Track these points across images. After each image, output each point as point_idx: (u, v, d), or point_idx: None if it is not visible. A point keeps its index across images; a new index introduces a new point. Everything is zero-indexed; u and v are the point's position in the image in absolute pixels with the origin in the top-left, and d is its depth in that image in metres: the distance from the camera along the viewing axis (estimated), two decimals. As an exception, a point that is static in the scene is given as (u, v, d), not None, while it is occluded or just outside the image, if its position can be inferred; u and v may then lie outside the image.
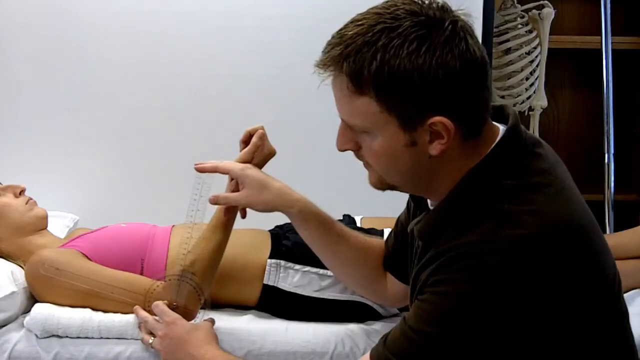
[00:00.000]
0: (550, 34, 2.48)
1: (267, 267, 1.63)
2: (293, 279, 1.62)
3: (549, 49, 2.49)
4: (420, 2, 1.01)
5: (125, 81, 2.16)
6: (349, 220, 1.85)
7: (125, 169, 2.20)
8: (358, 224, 1.85)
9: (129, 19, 2.13)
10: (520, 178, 1.03)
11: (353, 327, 1.56)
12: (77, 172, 2.19)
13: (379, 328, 1.56)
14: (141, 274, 1.60)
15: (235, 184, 1.41)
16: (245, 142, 1.47)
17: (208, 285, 1.50)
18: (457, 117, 1.00)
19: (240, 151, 1.46)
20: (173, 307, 1.44)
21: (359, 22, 1.00)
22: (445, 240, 1.02)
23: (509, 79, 2.45)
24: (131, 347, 1.46)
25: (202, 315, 1.49)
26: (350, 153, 1.10)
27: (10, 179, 1.81)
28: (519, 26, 2.44)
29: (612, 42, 2.44)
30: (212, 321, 1.47)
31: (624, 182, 2.66)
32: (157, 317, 1.43)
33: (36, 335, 1.48)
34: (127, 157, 2.20)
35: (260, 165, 1.46)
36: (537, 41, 2.46)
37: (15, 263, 1.65)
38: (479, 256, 0.98)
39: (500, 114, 1.11)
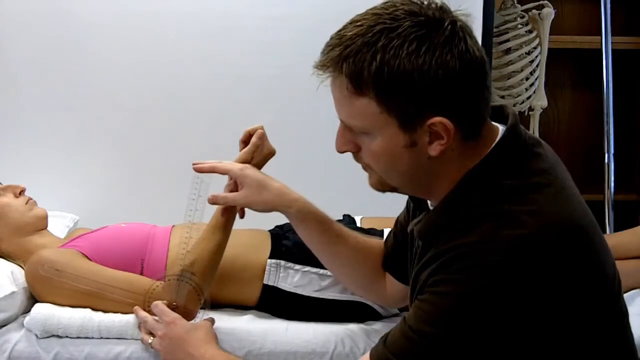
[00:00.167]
0: (550, 34, 2.48)
1: (267, 267, 1.63)
2: (293, 279, 1.63)
3: (549, 49, 2.49)
4: (419, 2, 1.01)
5: (125, 81, 2.16)
6: (349, 220, 1.85)
7: (125, 169, 2.20)
8: (358, 224, 1.85)
9: (129, 19, 2.13)
10: (520, 178, 1.03)
11: (353, 327, 1.56)
12: (77, 172, 2.19)
13: (379, 328, 1.56)
14: (141, 274, 1.60)
15: (234, 184, 1.41)
16: (245, 142, 1.47)
17: (208, 286, 1.50)
18: (457, 117, 1.00)
19: (240, 151, 1.46)
20: (173, 307, 1.44)
21: (358, 23, 1.00)
22: (445, 241, 1.02)
23: (509, 79, 2.45)
24: (131, 347, 1.47)
25: (202, 315, 1.49)
26: (350, 153, 1.10)
27: (10, 179, 1.81)
28: (519, 26, 2.44)
29: (612, 42, 2.44)
30: (212, 321, 1.47)
31: (624, 182, 2.65)
32: (156, 317, 1.43)
33: (36, 335, 1.48)
34: (127, 157, 2.20)
35: (259, 165, 1.46)
36: (537, 41, 2.46)
37: (15, 263, 1.65)
38: (479, 256, 0.98)
39: (500, 114, 1.11)
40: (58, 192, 2.11)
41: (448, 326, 1.00)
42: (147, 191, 2.20)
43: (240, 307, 1.66)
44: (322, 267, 1.54)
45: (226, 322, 1.54)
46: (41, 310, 1.49)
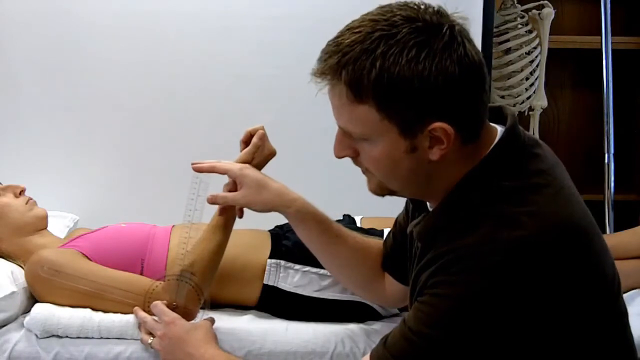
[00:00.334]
0: (550, 34, 2.48)
1: (267, 267, 1.63)
2: (293, 279, 1.63)
3: (549, 49, 2.49)
4: (415, 7, 1.00)
5: (125, 81, 2.16)
6: (348, 220, 1.85)
7: (125, 169, 2.21)
8: (358, 224, 1.85)
9: (129, 19, 2.13)
10: (519, 179, 1.03)
11: (353, 327, 1.56)
12: (77, 172, 2.19)
13: (379, 328, 1.56)
14: (141, 274, 1.60)
15: (233, 184, 1.41)
16: (246, 142, 1.47)
17: (208, 286, 1.50)
18: (457, 122, 1.00)
19: (241, 151, 1.46)
20: (172, 307, 1.44)
21: (356, 30, 0.99)
22: (444, 242, 1.02)
23: (509, 79, 2.45)
24: (131, 347, 1.47)
25: (202, 315, 1.49)
26: (349, 153, 1.10)
27: (10, 179, 1.81)
28: (519, 26, 2.44)
29: (612, 42, 2.44)
30: (212, 320, 1.47)
31: (624, 182, 2.65)
32: (156, 317, 1.43)
33: (36, 335, 1.48)
34: (127, 157, 2.21)
35: (260, 165, 1.46)
36: (537, 41, 2.46)
37: (15, 263, 1.65)
38: (478, 258, 0.98)
39: (499, 114, 1.11)
40: (58, 192, 2.11)
41: (448, 328, 1.00)
42: (147, 191, 2.20)
43: (240, 307, 1.66)
44: (322, 267, 1.54)
45: (226, 322, 1.54)
46: (41, 310, 1.49)
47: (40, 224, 1.73)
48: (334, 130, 1.08)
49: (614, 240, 1.74)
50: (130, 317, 1.49)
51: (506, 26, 2.43)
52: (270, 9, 2.14)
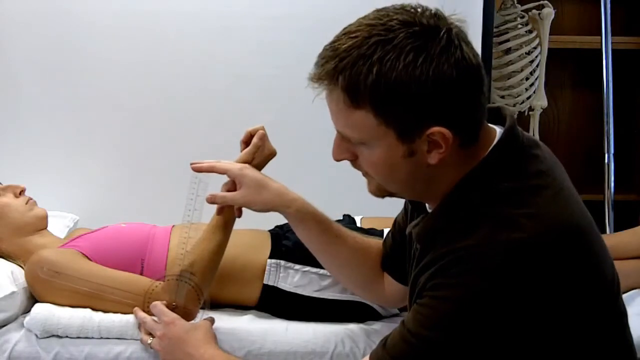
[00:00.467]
0: (550, 34, 2.48)
1: (267, 267, 1.63)
2: (293, 279, 1.63)
3: (549, 49, 2.49)
4: (412, 10, 0.99)
5: (125, 81, 2.16)
6: (349, 220, 1.85)
7: (125, 169, 2.20)
8: (358, 224, 1.85)
9: (129, 19, 2.13)
10: (518, 180, 1.02)
11: (353, 327, 1.56)
12: (77, 172, 2.19)
13: (379, 328, 1.56)
14: (141, 274, 1.60)
15: (232, 184, 1.41)
16: (246, 142, 1.47)
17: (208, 286, 1.50)
18: (455, 126, 0.99)
19: (241, 151, 1.46)
20: (172, 307, 1.44)
21: (352, 35, 0.98)
22: (443, 244, 1.02)
23: (509, 79, 2.45)
24: (131, 347, 1.47)
25: (202, 315, 1.49)
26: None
27: (10, 179, 1.81)
28: (519, 26, 2.44)
29: (612, 42, 2.44)
30: (212, 320, 1.47)
31: (624, 182, 2.65)
32: (155, 318, 1.43)
33: (36, 335, 1.48)
34: (127, 157, 2.21)
35: (260, 166, 1.45)
36: (537, 41, 2.46)
37: (15, 263, 1.65)
38: (478, 260, 0.98)
39: (498, 115, 1.10)
40: (58, 192, 2.11)
41: (447, 330, 0.99)
42: (147, 191, 2.20)
43: (240, 307, 1.66)
44: (322, 267, 1.54)
45: (226, 322, 1.54)
46: (41, 310, 1.49)
47: (40, 224, 1.73)
48: (334, 131, 1.08)
49: (614, 240, 1.74)
50: (130, 317, 1.49)
51: (506, 26, 2.43)
52: (270, 9, 2.14)
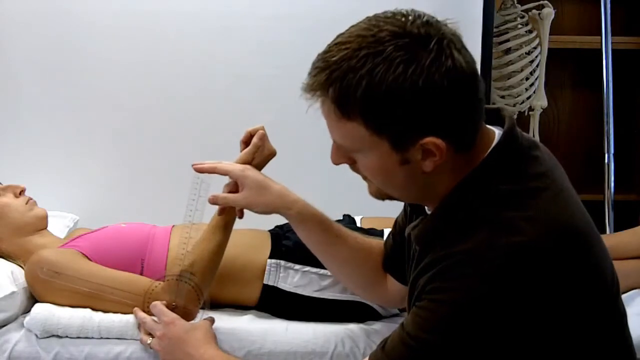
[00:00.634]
0: (550, 34, 2.48)
1: (267, 267, 1.63)
2: (293, 279, 1.63)
3: (549, 49, 2.49)
4: (403, 19, 0.98)
5: (125, 81, 2.16)
6: (349, 220, 1.85)
7: (125, 169, 2.20)
8: (358, 224, 1.85)
9: (129, 19, 2.13)
10: (517, 183, 1.02)
11: (353, 327, 1.56)
12: (77, 172, 2.19)
13: (379, 328, 1.56)
14: (141, 274, 1.60)
15: (234, 184, 1.41)
16: (246, 142, 1.46)
17: (208, 286, 1.50)
18: (449, 135, 0.99)
19: (241, 151, 1.46)
20: (172, 307, 1.44)
21: (343, 46, 0.97)
22: (442, 247, 1.02)
23: (509, 79, 2.45)
24: (131, 347, 1.47)
25: (202, 315, 1.49)
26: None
27: (10, 179, 1.81)
28: (519, 26, 2.44)
29: (612, 42, 2.44)
30: (212, 320, 1.47)
31: (624, 182, 2.65)
32: (155, 318, 1.43)
33: (36, 335, 1.48)
34: (127, 157, 2.21)
35: (260, 166, 1.45)
36: (537, 41, 2.46)
37: (15, 263, 1.65)
38: (477, 263, 0.97)
39: (497, 116, 1.10)
40: (58, 192, 2.11)
41: (446, 333, 0.99)
42: (147, 191, 2.20)
43: (240, 307, 1.66)
44: (322, 267, 1.54)
45: (226, 322, 1.54)
46: (41, 310, 1.49)
47: (40, 224, 1.73)
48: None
49: (614, 240, 1.74)
50: (130, 317, 1.49)
51: (506, 26, 2.43)
52: (270, 9, 2.14)
